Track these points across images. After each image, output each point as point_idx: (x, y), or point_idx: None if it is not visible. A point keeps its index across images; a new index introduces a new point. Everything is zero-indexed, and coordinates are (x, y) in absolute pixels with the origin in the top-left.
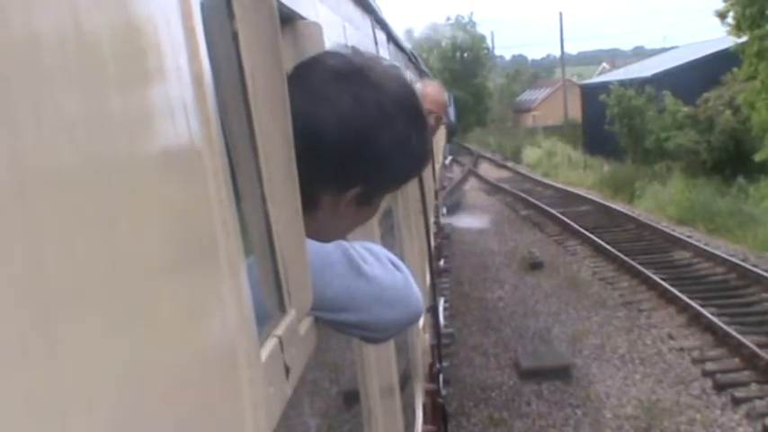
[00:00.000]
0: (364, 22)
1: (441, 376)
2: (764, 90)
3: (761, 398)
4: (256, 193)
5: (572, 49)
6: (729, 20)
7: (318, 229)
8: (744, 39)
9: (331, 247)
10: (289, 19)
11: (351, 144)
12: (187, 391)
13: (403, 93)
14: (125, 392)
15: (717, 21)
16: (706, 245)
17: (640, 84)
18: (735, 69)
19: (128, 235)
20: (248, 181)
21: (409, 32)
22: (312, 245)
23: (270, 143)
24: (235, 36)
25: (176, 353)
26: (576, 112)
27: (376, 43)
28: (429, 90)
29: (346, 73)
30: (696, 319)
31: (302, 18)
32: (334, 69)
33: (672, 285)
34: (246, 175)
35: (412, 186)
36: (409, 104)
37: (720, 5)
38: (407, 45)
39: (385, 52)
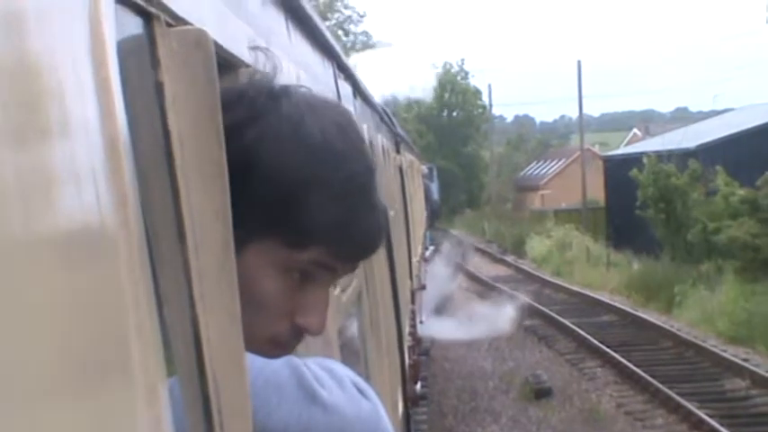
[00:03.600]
0: (325, 70)
1: None
2: None
3: None
4: (183, 294)
5: (593, 109)
6: None
7: None
8: None
9: (278, 364)
10: (228, 66)
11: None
12: None
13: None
14: None
15: None
16: None
17: (683, 157)
18: None
19: (10, 344)
20: (173, 277)
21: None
22: (253, 360)
23: (202, 228)
24: (159, 89)
25: None
26: (597, 193)
27: (339, 97)
28: None
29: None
30: None
31: (246, 66)
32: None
33: (722, 425)
34: (171, 270)
35: (381, 285)
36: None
37: None
38: (378, 101)
39: (350, 109)
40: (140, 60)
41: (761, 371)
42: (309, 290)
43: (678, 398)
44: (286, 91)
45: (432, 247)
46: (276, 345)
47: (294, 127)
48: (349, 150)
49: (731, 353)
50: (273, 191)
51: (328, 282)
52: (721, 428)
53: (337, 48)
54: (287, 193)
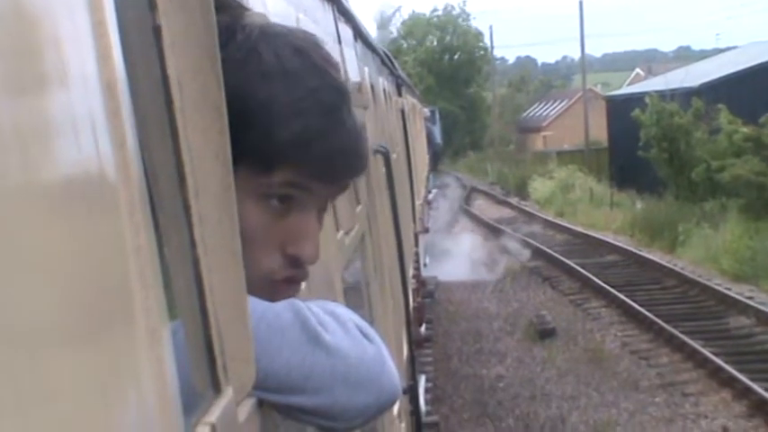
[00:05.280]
0: (325, 13)
1: None
2: None
3: None
4: (184, 237)
5: (595, 50)
6: None
7: None
8: None
9: (280, 307)
10: (227, 9)
11: None
12: None
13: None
14: None
15: None
16: None
17: (686, 96)
18: None
19: (12, 288)
20: (173, 221)
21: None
22: (256, 304)
23: (202, 171)
24: (157, 32)
25: None
26: (600, 133)
27: (339, 41)
28: None
29: None
30: (760, 408)
31: (244, 9)
32: None
33: (727, 362)
34: (171, 214)
35: (384, 227)
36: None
37: None
38: (380, 45)
39: (351, 52)
40: (137, 3)
41: (765, 308)
42: (294, 217)
43: (683, 336)
44: (242, 24)
45: (435, 190)
46: (274, 284)
47: (247, 54)
48: (307, 70)
49: (735, 291)
50: (233, 118)
51: (311, 206)
52: (726, 366)
53: None
54: (246, 117)
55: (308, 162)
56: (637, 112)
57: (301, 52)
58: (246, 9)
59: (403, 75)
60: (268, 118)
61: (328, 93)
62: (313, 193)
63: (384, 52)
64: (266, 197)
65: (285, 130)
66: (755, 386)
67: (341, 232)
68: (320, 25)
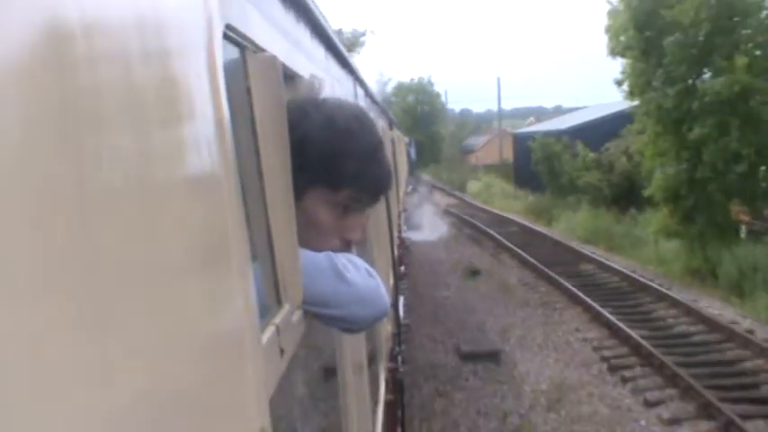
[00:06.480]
0: (348, 81)
1: (399, 357)
2: (651, 142)
3: (643, 377)
4: (261, 212)
5: (507, 105)
6: (625, 87)
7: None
8: (636, 102)
9: (321, 256)
10: (291, 77)
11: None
12: (204, 367)
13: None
14: (157, 365)
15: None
16: (606, 260)
17: (559, 134)
18: (629, 125)
19: (163, 243)
20: (255, 203)
21: (381, 86)
22: (305, 254)
23: (272, 174)
24: (248, 90)
25: (196, 337)
26: (509, 155)
27: (356, 97)
28: None
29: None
30: (597, 317)
31: (300, 77)
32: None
33: (579, 290)
34: (254, 198)
35: (380, 207)
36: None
37: (620, 76)
38: (380, 100)
39: (362, 104)
40: (237, 72)
41: (602, 259)
42: (350, 218)
43: (554, 275)
44: (324, 101)
45: (411, 186)
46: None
47: (327, 121)
48: (362, 131)
49: (585, 249)
50: (318, 159)
51: (361, 210)
52: (578, 293)
53: (356, 67)
54: (326, 159)
55: (361, 186)
56: (530, 143)
57: (359, 119)
58: (302, 77)
59: (393, 118)
60: (340, 160)
61: (374, 145)
62: (363, 202)
63: (382, 104)
64: (334, 206)
65: (350, 167)
66: (595, 304)
67: None
68: (345, 88)
